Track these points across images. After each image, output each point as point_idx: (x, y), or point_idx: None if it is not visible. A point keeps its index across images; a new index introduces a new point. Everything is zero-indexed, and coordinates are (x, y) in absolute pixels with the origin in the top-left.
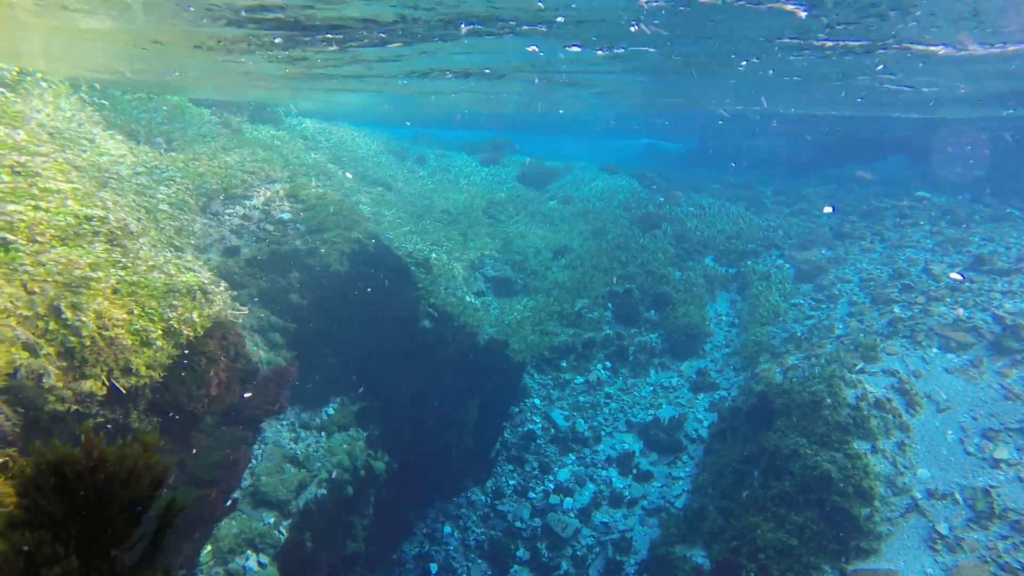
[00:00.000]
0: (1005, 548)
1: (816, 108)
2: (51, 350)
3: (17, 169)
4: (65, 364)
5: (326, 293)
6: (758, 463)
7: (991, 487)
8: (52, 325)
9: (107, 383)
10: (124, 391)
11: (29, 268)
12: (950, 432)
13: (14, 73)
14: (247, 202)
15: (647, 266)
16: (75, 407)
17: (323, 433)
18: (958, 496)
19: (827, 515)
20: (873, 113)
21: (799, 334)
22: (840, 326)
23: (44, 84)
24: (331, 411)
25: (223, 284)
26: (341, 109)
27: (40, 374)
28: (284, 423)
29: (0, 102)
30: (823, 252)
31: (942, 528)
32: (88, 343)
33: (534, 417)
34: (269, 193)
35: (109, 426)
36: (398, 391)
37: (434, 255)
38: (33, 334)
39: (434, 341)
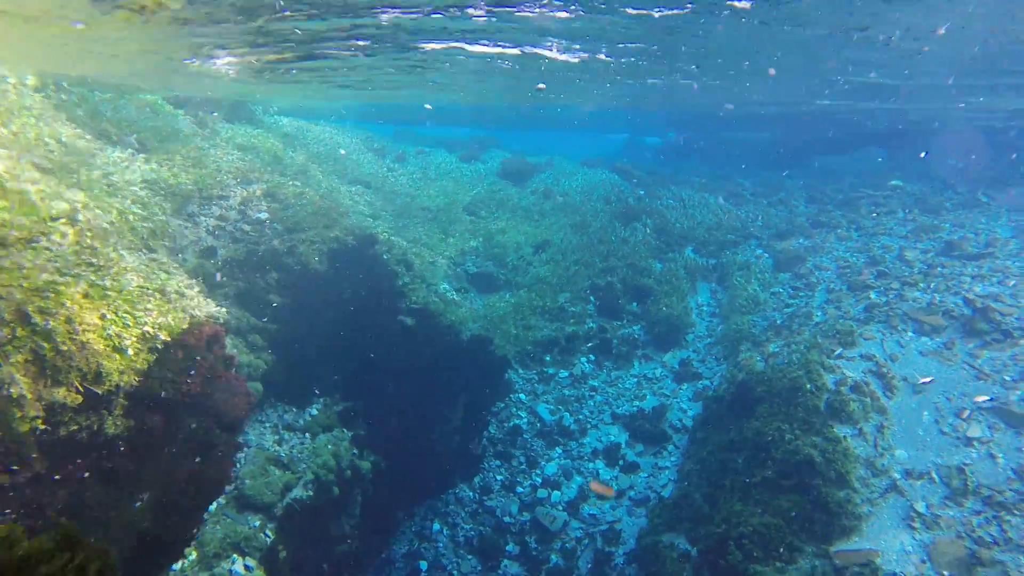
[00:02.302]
0: (979, 523)
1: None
2: (19, 357)
3: None
4: (36, 371)
5: (306, 293)
6: (741, 450)
7: (965, 465)
8: (20, 331)
9: (81, 390)
10: (96, 398)
11: None
12: (926, 413)
13: None
14: (224, 202)
15: (628, 259)
16: (44, 425)
17: (307, 434)
18: (934, 475)
19: (810, 498)
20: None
21: (779, 322)
22: (818, 313)
23: (10, 82)
24: (314, 411)
25: (199, 286)
26: (319, 106)
27: (7, 383)
28: (267, 425)
29: None
30: (801, 241)
31: (919, 506)
32: (62, 348)
33: (519, 412)
34: (246, 193)
35: (84, 434)
36: (382, 389)
37: (415, 252)
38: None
39: (417, 338)
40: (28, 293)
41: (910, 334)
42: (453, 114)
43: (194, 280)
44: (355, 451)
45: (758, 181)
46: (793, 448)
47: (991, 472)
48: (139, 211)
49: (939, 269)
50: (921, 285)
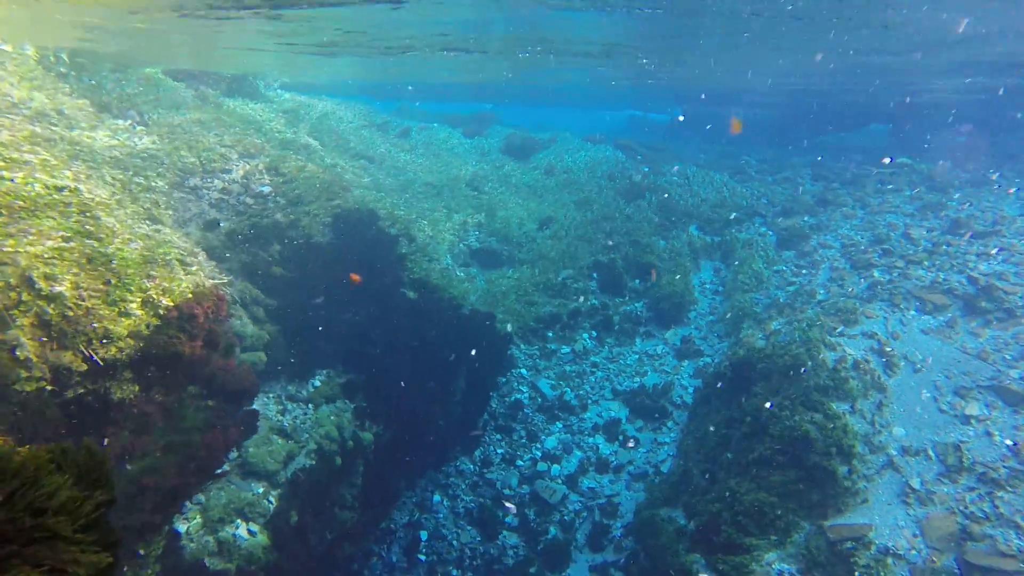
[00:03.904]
0: (971, 499)
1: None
2: (25, 321)
3: None
4: (42, 334)
5: (309, 265)
6: (740, 426)
7: (961, 442)
8: (25, 296)
9: (86, 354)
10: (102, 362)
11: None
12: (925, 391)
13: None
14: (226, 176)
15: (632, 236)
16: (49, 387)
17: (310, 405)
18: (931, 452)
19: (806, 474)
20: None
21: (781, 300)
22: (821, 291)
23: (8, 50)
24: (317, 383)
25: (203, 255)
26: (322, 80)
27: (13, 345)
28: (271, 395)
29: None
30: (805, 219)
31: (915, 483)
32: (68, 313)
33: (521, 387)
34: (248, 167)
35: (90, 398)
36: (384, 362)
37: (418, 227)
38: (5, 306)
39: (419, 312)
40: (33, 259)
41: (912, 312)
42: (456, 89)
43: (198, 251)
44: (357, 422)
45: (763, 158)
46: (791, 424)
47: (987, 450)
48: (141, 183)
49: (944, 247)
50: (926, 263)
